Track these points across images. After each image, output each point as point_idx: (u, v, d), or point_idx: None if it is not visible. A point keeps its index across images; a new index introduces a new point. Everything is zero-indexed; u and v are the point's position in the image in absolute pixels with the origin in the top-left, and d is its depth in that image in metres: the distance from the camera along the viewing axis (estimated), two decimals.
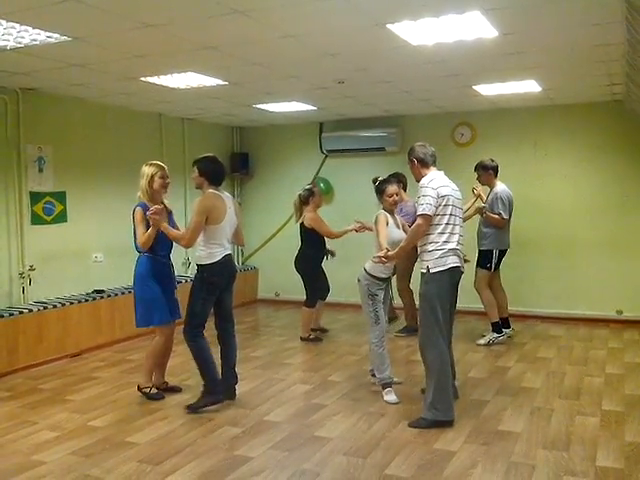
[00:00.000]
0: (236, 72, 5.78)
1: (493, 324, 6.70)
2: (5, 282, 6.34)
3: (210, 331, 4.92)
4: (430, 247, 4.39)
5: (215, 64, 5.47)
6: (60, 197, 6.81)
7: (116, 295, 7.05)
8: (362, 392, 5.19)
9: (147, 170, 4.95)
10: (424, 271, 4.43)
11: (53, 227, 6.74)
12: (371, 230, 5.27)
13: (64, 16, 4.03)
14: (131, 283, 5.08)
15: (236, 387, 5.08)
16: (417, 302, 5.10)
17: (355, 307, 7.95)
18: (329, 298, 7.47)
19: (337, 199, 8.93)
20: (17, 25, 4.18)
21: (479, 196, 6.84)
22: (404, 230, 5.11)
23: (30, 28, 4.26)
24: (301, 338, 7.19)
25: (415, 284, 5.34)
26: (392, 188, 5.12)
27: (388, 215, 5.06)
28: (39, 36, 4.44)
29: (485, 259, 6.62)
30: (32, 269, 6.46)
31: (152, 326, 5.08)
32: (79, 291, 6.99)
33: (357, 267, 7.49)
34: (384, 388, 5.01)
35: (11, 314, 5.97)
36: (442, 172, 4.56)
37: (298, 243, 7.14)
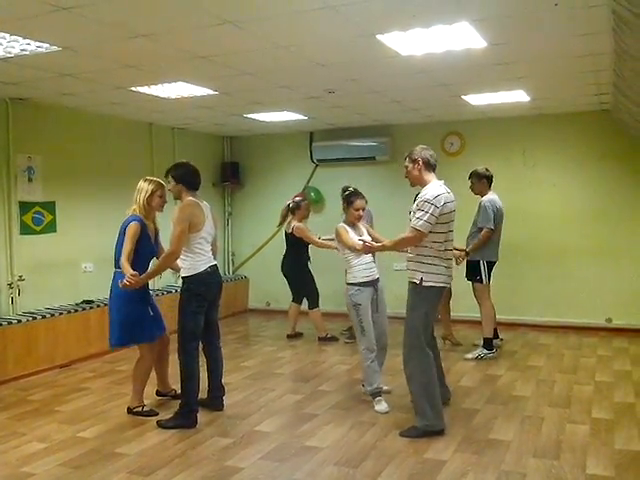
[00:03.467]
0: (227, 82, 5.79)
1: (485, 339, 6.58)
2: None
3: None
4: (429, 260, 4.34)
5: (206, 74, 5.48)
6: (49, 207, 6.78)
7: (106, 305, 6.95)
8: (353, 402, 5.18)
9: (147, 186, 4.86)
10: (416, 282, 4.37)
11: (42, 237, 6.71)
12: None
13: (54, 26, 4.04)
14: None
15: (224, 398, 5.06)
16: None
17: (345, 316, 7.95)
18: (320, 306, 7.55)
19: (327, 209, 8.93)
20: (7, 35, 4.18)
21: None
22: (370, 235, 5.14)
23: (20, 38, 4.25)
24: (319, 338, 7.54)
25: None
26: (360, 203, 5.11)
27: (347, 227, 5.06)
28: (29, 46, 4.44)
29: (474, 271, 6.53)
30: (21, 279, 6.43)
31: (136, 344, 4.98)
32: (68, 301, 6.95)
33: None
34: (374, 397, 5.00)
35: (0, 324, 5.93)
36: (442, 181, 4.46)
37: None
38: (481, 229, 6.38)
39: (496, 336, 6.86)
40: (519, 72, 5.58)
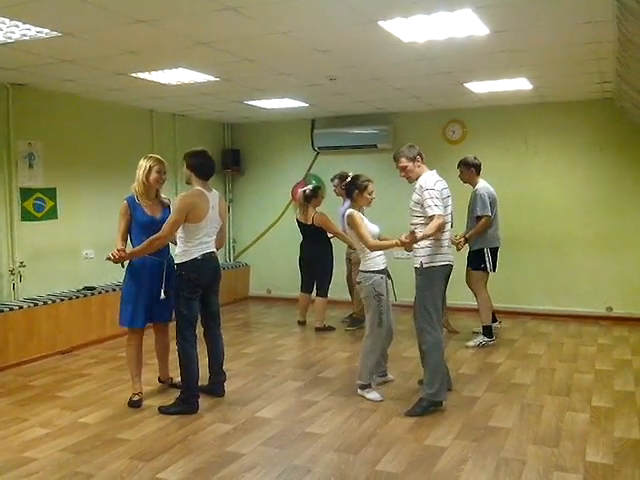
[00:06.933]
0: (227, 68, 5.76)
1: (484, 327, 6.60)
2: None
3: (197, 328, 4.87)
4: (427, 243, 4.57)
5: (207, 60, 5.45)
6: (50, 193, 6.77)
7: (107, 292, 7.02)
8: (353, 389, 5.18)
9: (145, 162, 4.88)
10: (417, 266, 4.62)
11: (43, 223, 6.71)
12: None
13: (54, 11, 4.01)
14: (122, 280, 5.03)
15: (225, 384, 5.09)
16: None
17: (347, 304, 7.97)
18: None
19: (328, 196, 8.91)
20: (7, 20, 4.16)
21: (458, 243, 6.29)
22: None
23: (20, 23, 4.23)
24: (316, 329, 7.44)
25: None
26: (373, 186, 5.00)
27: (360, 214, 4.88)
28: (29, 31, 4.42)
29: (478, 259, 6.51)
30: (22, 265, 6.44)
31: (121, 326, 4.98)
32: (69, 288, 6.96)
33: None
34: (364, 389, 4.97)
35: (1, 311, 5.94)
36: (435, 170, 4.72)
37: (289, 240, 7.30)
38: (479, 218, 6.38)
39: (494, 320, 6.88)
40: (522, 60, 5.55)
